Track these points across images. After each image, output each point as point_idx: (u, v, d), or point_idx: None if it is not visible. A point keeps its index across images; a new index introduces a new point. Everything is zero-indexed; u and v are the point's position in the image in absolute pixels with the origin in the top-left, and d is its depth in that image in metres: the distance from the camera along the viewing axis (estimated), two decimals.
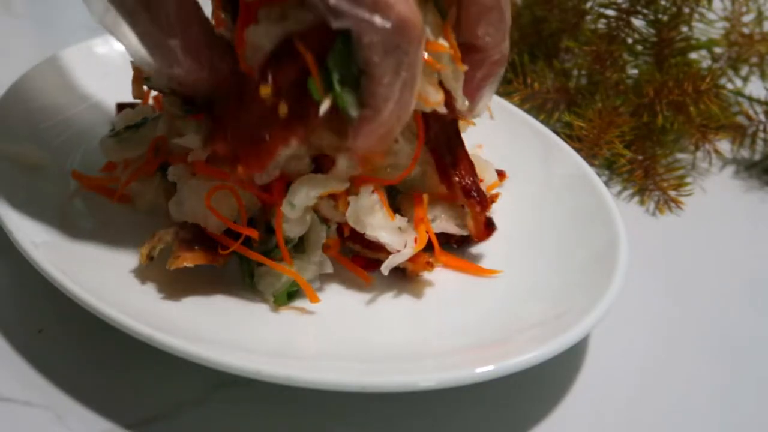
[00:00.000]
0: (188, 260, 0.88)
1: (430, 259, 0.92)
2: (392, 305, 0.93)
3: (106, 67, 1.19)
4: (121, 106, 1.10)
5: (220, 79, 0.85)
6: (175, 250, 0.89)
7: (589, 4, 1.31)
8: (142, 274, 0.92)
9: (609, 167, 1.23)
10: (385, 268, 0.91)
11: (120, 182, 1.01)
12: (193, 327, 0.86)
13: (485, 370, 0.81)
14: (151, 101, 1.07)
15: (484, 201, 0.94)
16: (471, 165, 0.96)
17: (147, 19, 0.80)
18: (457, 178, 0.94)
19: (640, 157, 1.22)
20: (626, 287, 0.90)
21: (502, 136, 1.11)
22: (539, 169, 1.11)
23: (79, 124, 1.11)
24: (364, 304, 0.93)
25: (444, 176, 0.95)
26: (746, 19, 1.32)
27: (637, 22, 1.27)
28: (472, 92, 0.89)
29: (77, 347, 0.90)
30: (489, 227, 0.96)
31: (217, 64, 0.84)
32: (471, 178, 0.94)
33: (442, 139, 0.94)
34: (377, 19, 0.74)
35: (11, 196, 0.96)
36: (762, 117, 1.30)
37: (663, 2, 1.24)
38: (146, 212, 0.99)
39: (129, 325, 0.82)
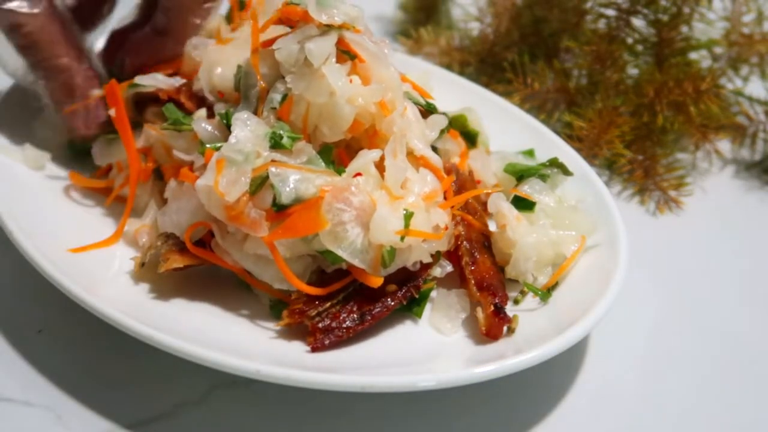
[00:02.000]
0: (177, 261, 0.89)
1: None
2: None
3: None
4: None
5: None
6: (164, 254, 0.90)
7: (589, 4, 1.31)
8: (143, 275, 0.92)
9: (609, 167, 1.23)
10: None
11: (115, 185, 1.01)
12: (193, 327, 0.86)
13: (485, 370, 0.81)
14: None
15: (497, 293, 0.90)
16: (492, 270, 0.93)
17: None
18: (472, 275, 0.92)
19: (640, 157, 1.22)
20: (626, 287, 0.90)
21: (503, 136, 1.11)
22: None
23: None
24: None
25: (461, 274, 0.94)
26: (746, 19, 1.32)
27: (637, 22, 1.27)
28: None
29: (77, 347, 0.90)
30: (500, 319, 0.87)
31: None
32: (490, 277, 0.92)
33: (468, 245, 0.94)
34: None
35: (11, 196, 0.97)
36: (762, 117, 1.30)
37: (663, 2, 1.24)
38: (143, 213, 0.99)
39: (129, 325, 0.82)
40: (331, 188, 0.87)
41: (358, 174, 0.89)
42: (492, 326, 0.87)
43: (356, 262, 0.87)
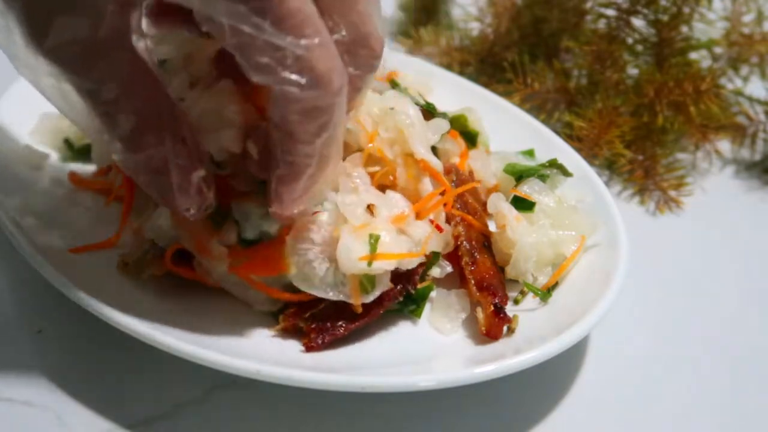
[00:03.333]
0: (160, 269, 0.89)
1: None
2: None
3: None
4: None
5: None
6: (148, 260, 0.90)
7: (589, 4, 1.31)
8: (141, 276, 0.92)
9: (609, 167, 1.23)
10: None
11: (114, 185, 1.01)
12: (193, 328, 0.86)
13: (485, 370, 0.81)
14: None
15: (497, 293, 0.89)
16: (492, 270, 0.93)
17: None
18: (472, 275, 0.92)
19: (640, 157, 1.22)
20: (626, 287, 0.90)
21: (502, 136, 1.11)
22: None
23: None
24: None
25: (461, 274, 0.94)
26: (746, 19, 1.32)
27: (637, 22, 1.27)
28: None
29: (77, 347, 0.90)
30: (500, 318, 0.87)
31: None
32: (490, 277, 0.92)
33: (467, 245, 0.94)
34: (296, 78, 0.71)
35: (11, 196, 0.97)
36: (762, 117, 1.30)
37: (663, 2, 1.24)
38: (142, 213, 0.99)
39: (129, 325, 0.82)
40: (292, 230, 0.86)
41: (317, 212, 0.87)
42: (492, 326, 0.87)
43: (332, 296, 0.86)
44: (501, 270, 0.95)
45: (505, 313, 0.87)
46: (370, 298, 0.86)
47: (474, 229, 0.95)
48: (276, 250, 0.86)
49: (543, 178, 0.99)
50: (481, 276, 0.91)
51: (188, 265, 0.90)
